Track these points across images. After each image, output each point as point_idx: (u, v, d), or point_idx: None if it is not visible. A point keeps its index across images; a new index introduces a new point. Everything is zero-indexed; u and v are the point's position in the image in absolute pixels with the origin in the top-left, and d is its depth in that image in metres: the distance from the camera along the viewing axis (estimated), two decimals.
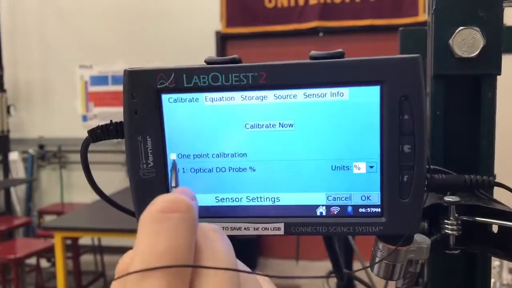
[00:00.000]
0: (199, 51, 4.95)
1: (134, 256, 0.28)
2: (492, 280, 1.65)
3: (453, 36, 0.56)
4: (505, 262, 1.65)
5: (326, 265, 1.08)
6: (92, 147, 0.49)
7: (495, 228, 0.55)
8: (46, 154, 5.52)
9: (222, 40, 5.13)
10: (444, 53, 0.57)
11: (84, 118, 5.39)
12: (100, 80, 5.34)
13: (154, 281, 0.27)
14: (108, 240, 4.69)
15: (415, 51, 0.68)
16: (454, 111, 0.61)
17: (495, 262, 1.68)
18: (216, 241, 0.31)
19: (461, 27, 0.56)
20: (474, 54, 0.56)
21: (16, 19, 5.52)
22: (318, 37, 4.95)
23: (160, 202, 0.30)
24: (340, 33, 4.90)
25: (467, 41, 0.56)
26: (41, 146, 5.52)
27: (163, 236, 0.28)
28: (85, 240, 4.44)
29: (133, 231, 3.45)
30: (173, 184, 0.38)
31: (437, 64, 0.58)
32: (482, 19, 0.56)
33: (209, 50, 5.03)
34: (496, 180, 0.58)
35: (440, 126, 0.60)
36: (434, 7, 0.58)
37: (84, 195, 4.87)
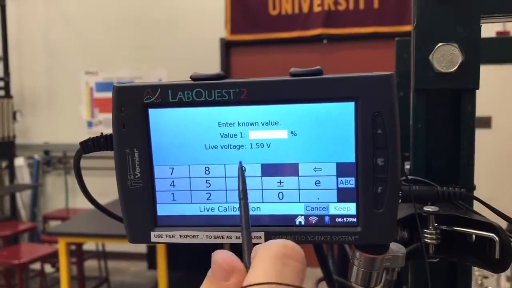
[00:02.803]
0: (203, 58, 4.99)
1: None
2: None
3: (433, 51, 0.59)
4: None
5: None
6: (100, 153, 0.51)
7: (473, 238, 0.57)
8: (51, 160, 5.55)
9: (227, 47, 5.16)
10: (425, 68, 0.59)
11: (90, 124, 5.42)
12: (105, 86, 5.38)
13: None
14: (112, 246, 4.72)
15: (410, 61, 0.71)
16: (435, 124, 0.63)
17: None
18: None
19: (440, 43, 0.58)
20: (453, 69, 0.58)
21: (22, 26, 5.58)
22: (322, 44, 4.97)
23: (283, 247, 0.33)
24: (344, 40, 4.92)
25: (446, 57, 0.58)
26: (46, 152, 5.56)
27: (285, 280, 0.31)
28: (89, 245, 4.47)
29: None
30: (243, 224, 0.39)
31: (418, 78, 0.60)
32: (460, 35, 0.58)
33: (214, 57, 5.07)
34: (475, 192, 0.60)
35: (422, 138, 0.62)
36: (415, 24, 0.60)
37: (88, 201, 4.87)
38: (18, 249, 4.07)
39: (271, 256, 0.32)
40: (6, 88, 5.18)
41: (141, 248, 4.73)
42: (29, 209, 5.49)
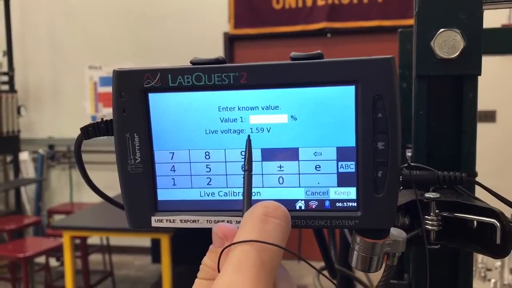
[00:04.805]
0: (207, 52, 4.98)
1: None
2: (493, 280, 1.65)
3: (434, 37, 0.58)
4: (506, 262, 1.65)
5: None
6: (105, 147, 0.51)
7: (475, 224, 0.56)
8: (55, 154, 5.57)
9: (230, 41, 5.16)
10: (426, 54, 0.59)
11: (94, 119, 5.43)
12: (109, 81, 5.38)
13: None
14: (117, 240, 4.73)
15: (412, 52, 0.70)
16: (437, 111, 0.62)
17: (497, 262, 1.68)
18: None
19: (442, 29, 0.58)
20: (455, 55, 0.58)
21: (26, 21, 5.58)
22: (325, 38, 4.96)
23: (264, 206, 0.37)
24: (348, 34, 4.91)
25: (448, 43, 0.58)
26: (50, 146, 5.58)
27: (266, 235, 0.35)
28: (94, 239, 4.49)
29: (141, 231, 3.42)
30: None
31: (420, 65, 0.60)
32: (462, 21, 0.58)
33: (217, 51, 5.06)
34: (477, 178, 0.60)
35: (423, 125, 0.62)
36: (416, 10, 0.59)
37: (93, 195, 4.83)
38: (23, 243, 4.09)
39: (253, 216, 0.36)
40: (11, 82, 5.19)
41: (145, 242, 4.74)
42: (34, 203, 5.51)
